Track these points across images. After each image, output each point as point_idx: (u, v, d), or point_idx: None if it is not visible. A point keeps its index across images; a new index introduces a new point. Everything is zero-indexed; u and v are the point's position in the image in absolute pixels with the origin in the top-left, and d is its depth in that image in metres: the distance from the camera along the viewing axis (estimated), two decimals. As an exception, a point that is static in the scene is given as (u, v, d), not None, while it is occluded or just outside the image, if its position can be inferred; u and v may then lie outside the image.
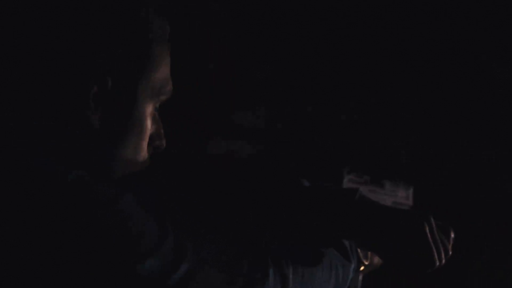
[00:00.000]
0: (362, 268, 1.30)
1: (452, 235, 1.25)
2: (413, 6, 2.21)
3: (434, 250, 1.19)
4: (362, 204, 1.22)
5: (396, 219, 1.20)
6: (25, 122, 1.01)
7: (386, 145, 2.22)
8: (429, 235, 1.19)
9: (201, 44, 2.13)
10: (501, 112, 2.25)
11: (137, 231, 0.96)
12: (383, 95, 2.25)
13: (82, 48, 0.99)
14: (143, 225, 0.97)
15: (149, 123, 1.07)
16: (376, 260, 1.31)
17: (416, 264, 1.20)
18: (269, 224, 1.23)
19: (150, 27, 1.03)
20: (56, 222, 0.94)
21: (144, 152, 1.08)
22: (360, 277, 1.34)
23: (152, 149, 1.10)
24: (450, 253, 1.23)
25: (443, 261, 1.20)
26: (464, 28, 2.21)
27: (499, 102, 2.24)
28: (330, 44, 2.32)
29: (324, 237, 1.23)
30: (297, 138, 2.20)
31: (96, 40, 1.00)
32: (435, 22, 2.22)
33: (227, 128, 2.15)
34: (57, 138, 1.01)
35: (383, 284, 2.03)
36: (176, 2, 1.11)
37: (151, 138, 1.09)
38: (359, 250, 1.28)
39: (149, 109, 1.07)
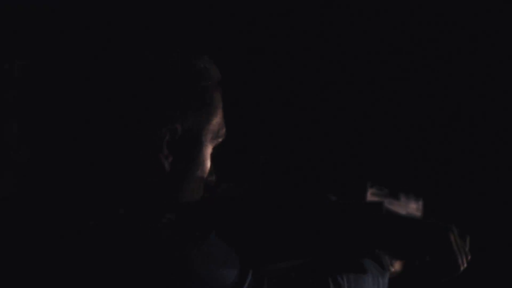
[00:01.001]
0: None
1: (468, 240, 1.34)
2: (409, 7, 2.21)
3: (459, 256, 1.28)
4: (390, 217, 1.30)
5: (424, 229, 1.28)
6: (105, 171, 1.07)
7: (395, 157, 2.22)
8: (454, 243, 1.27)
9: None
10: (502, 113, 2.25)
11: (223, 270, 1.04)
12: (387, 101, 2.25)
13: (155, 102, 1.07)
14: (227, 263, 1.05)
15: (209, 163, 1.15)
16: (397, 266, 1.38)
17: (443, 270, 1.29)
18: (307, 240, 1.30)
19: (208, 76, 1.11)
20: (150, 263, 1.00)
21: (202, 190, 1.16)
22: None
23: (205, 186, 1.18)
24: (469, 257, 1.32)
25: (465, 265, 1.30)
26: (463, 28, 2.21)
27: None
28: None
29: (359, 249, 1.29)
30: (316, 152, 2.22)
31: (166, 93, 1.07)
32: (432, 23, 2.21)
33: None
34: (135, 184, 1.08)
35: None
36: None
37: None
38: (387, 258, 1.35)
39: (210, 150, 1.15)
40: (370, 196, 1.38)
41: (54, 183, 1.09)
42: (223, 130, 1.16)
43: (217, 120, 1.14)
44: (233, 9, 2.13)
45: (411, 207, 1.43)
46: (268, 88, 2.09)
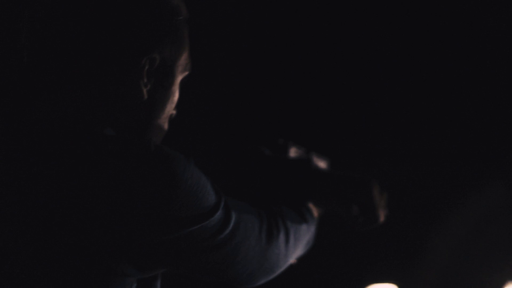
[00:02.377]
0: None
1: (386, 197, 1.51)
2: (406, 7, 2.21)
3: (379, 210, 1.48)
4: (319, 171, 1.52)
5: (351, 181, 1.48)
6: (91, 98, 1.16)
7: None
8: (375, 195, 1.47)
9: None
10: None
11: (208, 188, 1.14)
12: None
13: (138, 32, 1.16)
14: (209, 183, 1.15)
15: (177, 94, 1.25)
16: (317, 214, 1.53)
17: (364, 221, 1.48)
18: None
19: (181, 12, 1.22)
20: (144, 184, 1.08)
21: (167, 121, 1.26)
22: None
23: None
24: (387, 211, 1.50)
25: (383, 218, 1.50)
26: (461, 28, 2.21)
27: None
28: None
29: (292, 198, 1.46)
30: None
31: (147, 25, 1.17)
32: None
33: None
34: (118, 110, 1.17)
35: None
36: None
37: None
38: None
39: (179, 82, 1.25)
40: (292, 153, 1.55)
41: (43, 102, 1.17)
42: (190, 64, 1.26)
43: (186, 54, 1.24)
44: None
45: (321, 166, 1.57)
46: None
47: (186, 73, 1.26)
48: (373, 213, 1.47)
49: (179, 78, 1.24)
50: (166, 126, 1.26)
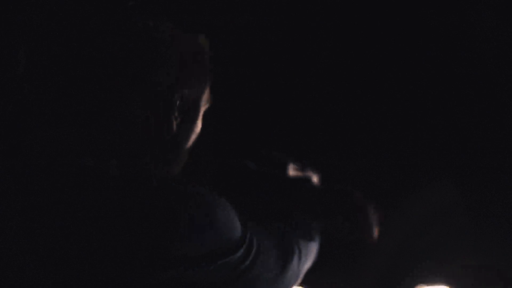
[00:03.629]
0: None
1: (382, 215, 1.61)
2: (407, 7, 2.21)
3: (373, 226, 1.57)
4: (312, 188, 1.62)
5: (334, 193, 1.59)
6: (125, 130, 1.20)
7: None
8: (370, 214, 1.56)
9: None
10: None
11: (234, 225, 1.19)
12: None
13: (174, 70, 1.23)
14: (236, 220, 1.20)
15: (200, 125, 1.32)
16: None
17: (360, 237, 1.57)
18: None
19: (207, 51, 1.30)
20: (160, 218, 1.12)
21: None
22: None
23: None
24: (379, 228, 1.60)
25: (376, 235, 1.58)
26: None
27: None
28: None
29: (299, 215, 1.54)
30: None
31: (182, 64, 1.24)
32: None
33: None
34: (150, 142, 1.23)
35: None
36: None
37: None
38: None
39: (201, 114, 1.32)
40: (291, 170, 1.65)
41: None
42: (210, 97, 1.33)
43: (208, 88, 1.31)
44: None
45: (314, 180, 1.68)
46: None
47: (207, 105, 1.32)
48: (367, 229, 1.57)
49: (201, 111, 1.31)
50: (187, 155, 1.31)
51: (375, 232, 1.57)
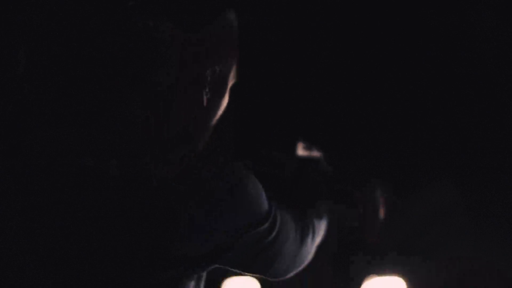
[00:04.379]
0: None
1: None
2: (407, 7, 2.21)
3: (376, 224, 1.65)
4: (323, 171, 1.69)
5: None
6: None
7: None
8: (374, 211, 1.66)
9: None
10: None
11: (262, 200, 1.25)
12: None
13: (211, 49, 1.27)
14: (263, 194, 1.26)
15: (227, 99, 1.35)
16: None
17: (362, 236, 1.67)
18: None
19: (237, 30, 1.33)
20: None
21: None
22: None
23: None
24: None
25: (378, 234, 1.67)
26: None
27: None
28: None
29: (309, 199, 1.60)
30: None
31: (217, 42, 1.28)
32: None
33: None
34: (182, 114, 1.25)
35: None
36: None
37: None
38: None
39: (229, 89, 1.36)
40: (301, 150, 1.72)
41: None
42: (238, 72, 1.36)
43: (235, 64, 1.35)
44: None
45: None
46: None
47: (233, 81, 1.36)
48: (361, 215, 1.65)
49: (229, 86, 1.34)
50: (212, 129, 1.35)
51: (377, 231, 1.60)
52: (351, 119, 2.39)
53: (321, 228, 1.54)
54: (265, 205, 1.24)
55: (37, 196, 1.13)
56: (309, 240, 1.43)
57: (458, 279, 2.30)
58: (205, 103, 1.26)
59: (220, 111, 1.32)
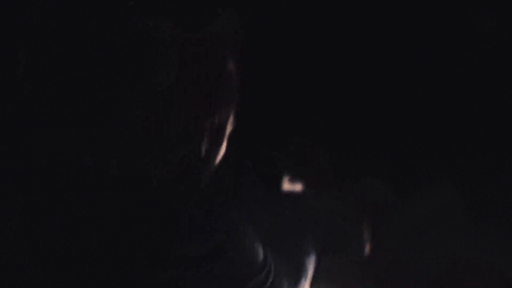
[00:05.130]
0: None
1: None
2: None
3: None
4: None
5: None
6: None
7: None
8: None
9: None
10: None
11: (258, 250, 1.25)
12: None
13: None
14: (259, 245, 1.25)
15: None
16: None
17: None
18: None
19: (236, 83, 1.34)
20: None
21: None
22: None
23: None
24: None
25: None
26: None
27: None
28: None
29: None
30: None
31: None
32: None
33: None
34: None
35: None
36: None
37: None
38: None
39: None
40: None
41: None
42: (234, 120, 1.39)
43: (233, 112, 1.36)
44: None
45: None
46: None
47: (232, 127, 1.38)
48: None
49: (228, 133, 1.35)
50: (212, 173, 1.37)
51: (367, 249, 1.61)
52: (351, 119, 2.39)
53: (312, 266, 1.53)
54: (260, 255, 1.25)
55: (37, 196, 1.13)
56: (303, 284, 1.43)
57: (459, 279, 2.30)
58: (203, 153, 1.26)
59: (218, 159, 1.32)
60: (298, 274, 1.41)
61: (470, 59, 2.28)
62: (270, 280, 1.26)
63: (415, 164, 2.34)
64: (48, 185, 1.13)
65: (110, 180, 1.14)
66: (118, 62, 1.16)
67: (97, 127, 1.17)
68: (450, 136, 2.34)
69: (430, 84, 2.34)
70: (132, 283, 1.12)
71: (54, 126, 1.18)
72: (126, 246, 1.11)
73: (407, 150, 2.34)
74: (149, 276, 1.11)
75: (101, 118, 1.17)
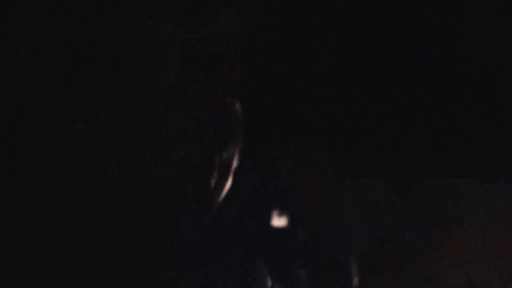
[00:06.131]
0: None
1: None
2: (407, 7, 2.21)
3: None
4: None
5: None
6: None
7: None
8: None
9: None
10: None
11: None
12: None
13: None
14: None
15: None
16: None
17: None
18: None
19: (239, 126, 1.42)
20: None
21: None
22: None
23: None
24: None
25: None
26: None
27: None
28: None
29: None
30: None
31: None
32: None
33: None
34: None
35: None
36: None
37: None
38: None
39: None
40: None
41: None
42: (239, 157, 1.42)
43: (238, 149, 1.41)
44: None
45: None
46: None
47: (237, 164, 1.39)
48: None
49: (233, 170, 1.36)
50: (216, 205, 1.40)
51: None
52: (351, 119, 2.39)
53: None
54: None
55: (37, 196, 1.13)
56: None
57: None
58: (212, 186, 1.28)
59: (224, 192, 1.33)
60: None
61: (470, 59, 2.28)
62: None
63: (415, 164, 2.34)
64: (48, 185, 1.13)
65: (110, 180, 1.14)
66: (118, 62, 1.16)
67: (97, 127, 1.17)
68: (450, 136, 2.33)
69: (430, 84, 2.34)
70: (132, 283, 1.12)
71: (54, 126, 1.18)
72: (126, 246, 1.11)
73: (407, 150, 2.34)
74: (149, 276, 1.11)
75: (101, 118, 1.17)
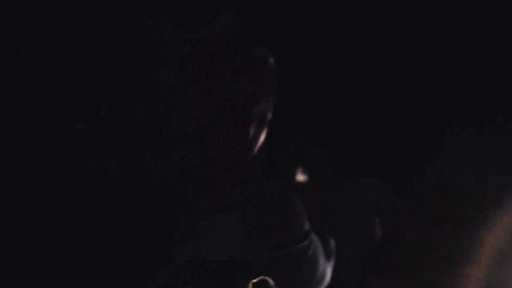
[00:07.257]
0: None
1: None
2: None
3: None
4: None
5: None
6: None
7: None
8: None
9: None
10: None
11: (305, 218, 1.32)
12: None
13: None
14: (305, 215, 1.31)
15: None
16: None
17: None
18: None
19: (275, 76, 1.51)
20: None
21: None
22: None
23: None
24: None
25: None
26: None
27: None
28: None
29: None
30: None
31: None
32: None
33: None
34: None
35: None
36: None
37: None
38: None
39: None
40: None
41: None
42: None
43: (273, 102, 1.53)
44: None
45: None
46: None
47: (271, 117, 1.48)
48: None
49: (267, 122, 1.45)
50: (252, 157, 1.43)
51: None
52: (351, 119, 2.39)
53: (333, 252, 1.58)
54: (306, 223, 1.31)
55: (37, 196, 1.13)
56: (331, 261, 1.49)
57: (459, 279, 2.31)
58: (250, 137, 1.31)
59: (259, 144, 1.36)
60: (327, 253, 1.46)
61: (470, 59, 2.28)
62: (311, 249, 1.32)
63: (415, 164, 2.34)
64: (48, 185, 1.13)
65: (110, 180, 1.14)
66: (118, 62, 1.16)
67: (97, 127, 1.18)
68: (450, 136, 2.34)
69: (430, 84, 2.34)
70: (132, 283, 1.12)
71: (54, 126, 1.18)
72: (126, 246, 1.11)
73: (407, 150, 2.34)
74: (149, 276, 1.11)
75: (101, 118, 1.17)
